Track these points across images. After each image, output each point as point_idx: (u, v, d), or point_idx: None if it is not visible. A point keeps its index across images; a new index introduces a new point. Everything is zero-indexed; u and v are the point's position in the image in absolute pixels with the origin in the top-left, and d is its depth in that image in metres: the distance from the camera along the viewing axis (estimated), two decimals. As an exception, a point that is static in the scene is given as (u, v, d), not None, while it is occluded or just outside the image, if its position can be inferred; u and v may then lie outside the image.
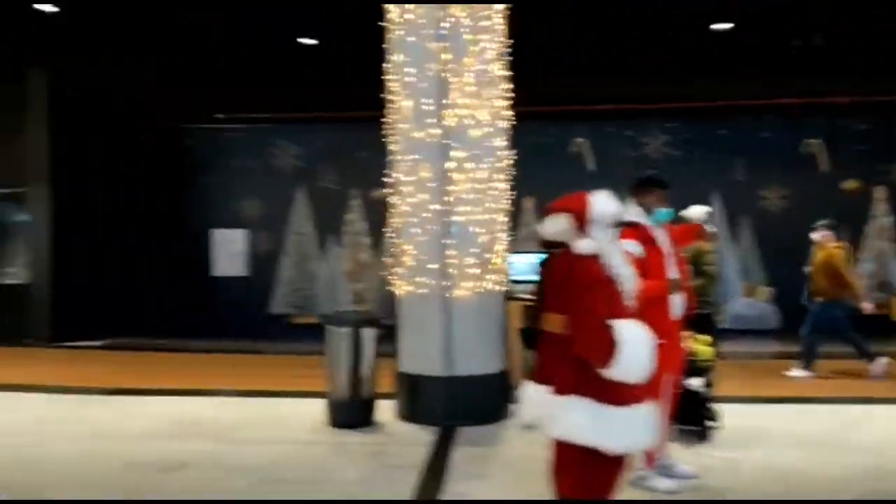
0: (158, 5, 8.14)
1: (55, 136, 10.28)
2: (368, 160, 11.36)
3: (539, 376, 3.21)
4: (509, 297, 6.32)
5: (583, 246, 3.08)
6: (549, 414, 3.09)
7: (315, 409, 6.16)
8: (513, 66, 6.25)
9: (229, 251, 11.75)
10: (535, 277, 5.97)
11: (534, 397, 3.19)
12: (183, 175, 11.50)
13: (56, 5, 7.92)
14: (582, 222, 3.09)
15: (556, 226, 3.15)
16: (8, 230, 10.59)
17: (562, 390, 3.05)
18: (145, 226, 11.05)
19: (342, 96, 10.40)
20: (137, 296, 10.85)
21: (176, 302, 11.15)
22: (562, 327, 3.09)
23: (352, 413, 5.87)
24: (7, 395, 7.28)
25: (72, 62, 9.90)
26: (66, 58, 9.81)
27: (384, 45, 6.25)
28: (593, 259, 3.08)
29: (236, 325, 11.06)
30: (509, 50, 6.17)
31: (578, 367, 3.02)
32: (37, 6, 7.89)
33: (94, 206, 10.46)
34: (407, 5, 6.01)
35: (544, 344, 3.23)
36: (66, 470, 4.99)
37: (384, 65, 6.26)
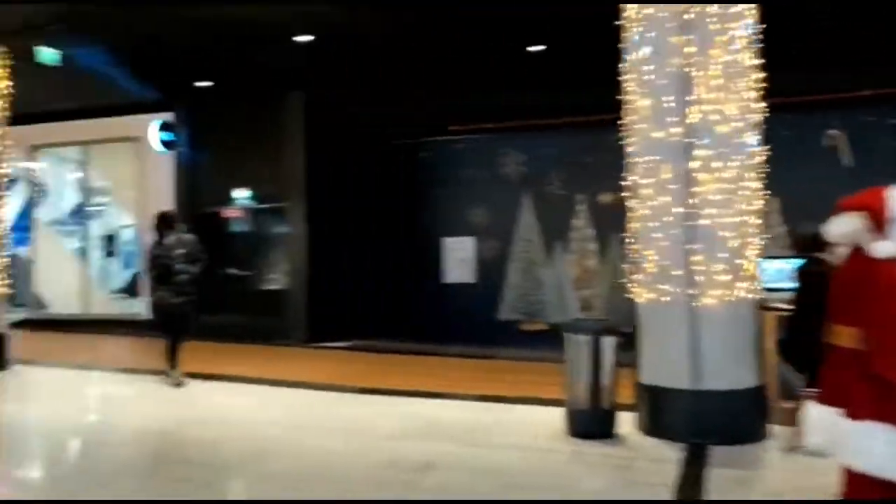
0: (394, 31, 8.63)
1: (310, 154, 11.35)
2: (594, 164, 11.17)
3: (826, 397, 2.85)
4: (763, 306, 5.78)
5: (882, 248, 2.68)
6: (840, 441, 2.73)
7: (551, 417, 6.10)
8: (764, 53, 5.73)
9: (459, 258, 12.12)
10: (794, 284, 5.43)
11: (820, 420, 2.83)
12: (418, 186, 12.11)
13: (312, 34, 8.68)
14: (880, 222, 2.69)
15: (846, 226, 2.78)
16: (271, 241, 11.88)
17: (857, 414, 2.67)
18: (386, 235, 11.77)
19: (567, 101, 10.31)
20: (379, 301, 11.58)
21: (411, 307, 11.74)
22: (855, 342, 2.71)
23: (591, 423, 5.73)
24: (273, 390, 8.11)
25: (324, 85, 10.88)
26: (319, 81, 10.80)
27: (618, 45, 6.06)
28: (894, 264, 2.67)
29: (466, 331, 11.35)
30: (761, 36, 5.67)
31: (879, 389, 2.62)
32: (295, 38, 8.72)
33: (344, 217, 11.36)
34: (646, -2, 5.76)
35: (832, 360, 2.85)
36: (329, 463, 5.40)
37: (618, 65, 6.06)
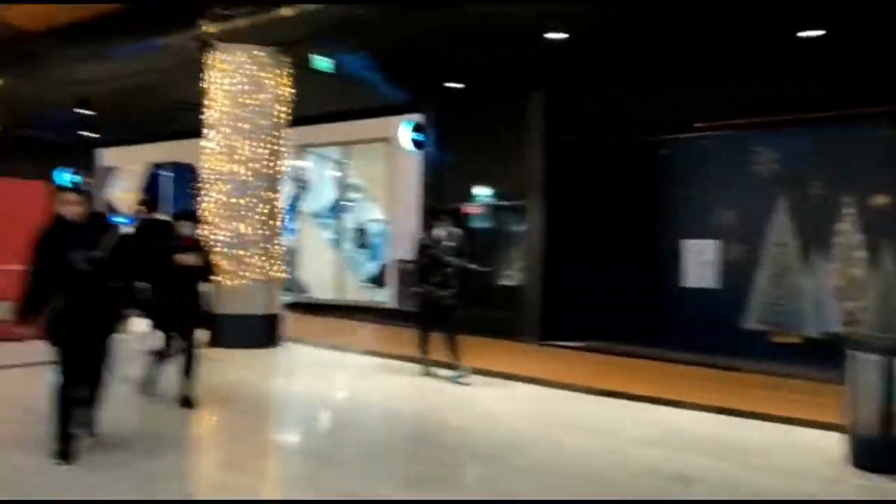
0: (642, 23, 8.32)
1: (549, 152, 11.37)
2: (866, 162, 9.93)
3: None
4: None
5: None
6: None
7: (820, 441, 5.55)
8: None
9: (700, 262, 11.45)
10: None
11: None
12: (659, 186, 11.63)
13: (562, 32, 8.64)
14: None
15: None
16: (509, 238, 12.07)
17: None
18: (624, 235, 11.44)
19: (838, 92, 9.26)
20: (613, 302, 11.30)
21: (647, 310, 11.31)
22: None
23: (881, 455, 5.07)
24: (512, 384, 8.25)
25: (564, 83, 10.84)
26: (560, 80, 10.79)
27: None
28: None
29: (705, 338, 10.69)
30: None
31: None
32: (548, 35, 8.73)
33: (581, 216, 11.24)
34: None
35: None
36: (585, 463, 5.33)
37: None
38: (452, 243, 8.17)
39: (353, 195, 14.90)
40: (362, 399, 7.50)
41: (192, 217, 6.84)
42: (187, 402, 6.39)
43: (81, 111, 13.69)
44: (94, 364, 5.05)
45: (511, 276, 11.89)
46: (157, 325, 6.47)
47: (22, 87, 12.83)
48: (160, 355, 6.59)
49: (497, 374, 8.59)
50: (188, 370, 6.41)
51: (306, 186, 15.14)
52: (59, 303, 4.76)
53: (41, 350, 4.96)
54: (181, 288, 6.31)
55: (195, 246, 6.49)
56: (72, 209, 4.92)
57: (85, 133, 16.32)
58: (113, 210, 16.92)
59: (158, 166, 17.20)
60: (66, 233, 4.87)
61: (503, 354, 9.85)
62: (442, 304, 8.04)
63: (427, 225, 8.44)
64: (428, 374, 8.26)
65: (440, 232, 8.21)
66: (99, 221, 5.20)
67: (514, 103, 11.45)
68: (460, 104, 12.12)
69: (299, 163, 14.94)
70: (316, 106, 12.61)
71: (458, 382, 7.97)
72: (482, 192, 12.22)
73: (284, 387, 8.25)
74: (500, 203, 12.12)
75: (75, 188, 5.18)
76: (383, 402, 7.30)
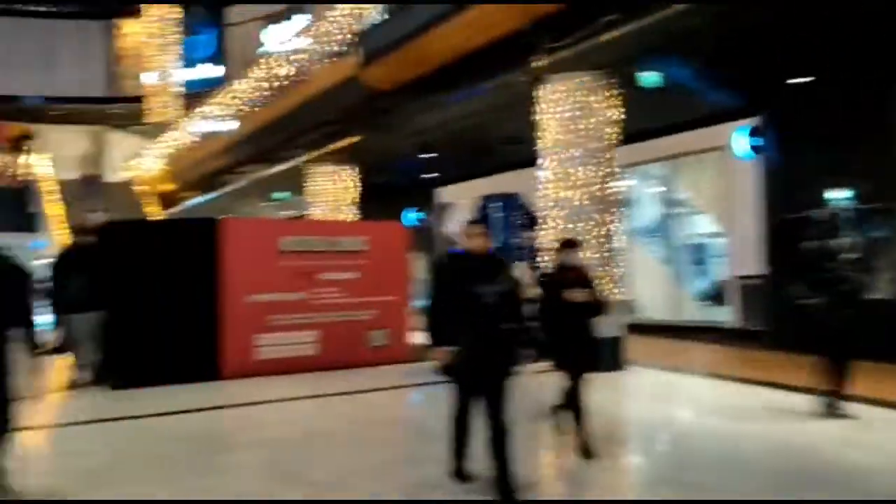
0: None
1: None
2: None
3: None
4: None
5: None
6: None
7: None
8: None
9: None
10: None
11: None
12: None
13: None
14: None
15: None
16: (876, 245, 10.42)
17: None
18: None
19: None
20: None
21: None
22: None
23: None
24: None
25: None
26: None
27: None
28: None
29: None
30: None
31: None
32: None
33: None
34: None
35: None
36: None
37: None
38: (853, 255, 7.03)
39: (679, 210, 14.25)
40: (734, 429, 6.89)
41: (573, 244, 6.08)
42: (586, 450, 5.81)
43: (424, 155, 15.19)
44: (492, 404, 4.75)
45: (880, 289, 10.24)
46: (557, 366, 5.88)
47: (376, 140, 14.66)
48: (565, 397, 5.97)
49: (888, 404, 7.43)
50: (579, 413, 5.86)
51: (630, 205, 14.92)
52: (466, 337, 4.74)
53: (418, 372, 5.27)
54: (569, 325, 5.75)
55: (584, 279, 5.89)
56: (476, 242, 4.86)
57: (426, 175, 18.09)
58: (453, 244, 18.38)
59: (487, 198, 18.36)
60: (472, 266, 4.86)
61: (888, 380, 8.48)
62: (836, 326, 6.91)
63: (820, 234, 7.40)
64: (837, 414, 7.03)
65: (841, 241, 7.15)
66: (496, 255, 5.13)
67: (876, 90, 9.96)
68: (805, 100, 10.90)
69: (623, 182, 14.77)
70: (638, 123, 12.34)
71: (835, 413, 7.01)
72: (837, 195, 10.78)
73: (647, 413, 7.87)
74: (862, 206, 10.56)
75: (478, 221, 5.22)
76: (760, 433, 6.68)
